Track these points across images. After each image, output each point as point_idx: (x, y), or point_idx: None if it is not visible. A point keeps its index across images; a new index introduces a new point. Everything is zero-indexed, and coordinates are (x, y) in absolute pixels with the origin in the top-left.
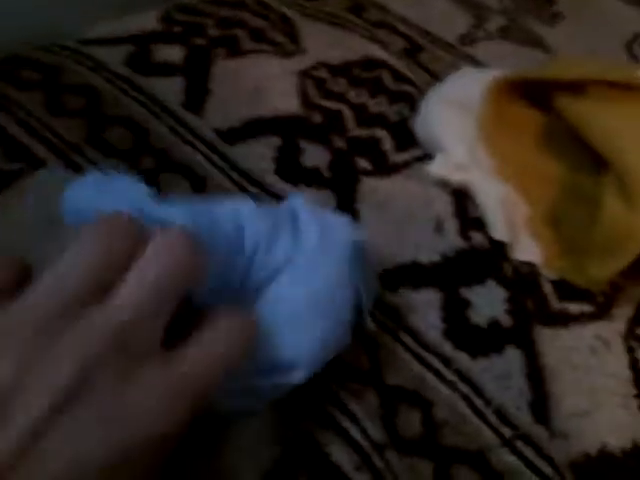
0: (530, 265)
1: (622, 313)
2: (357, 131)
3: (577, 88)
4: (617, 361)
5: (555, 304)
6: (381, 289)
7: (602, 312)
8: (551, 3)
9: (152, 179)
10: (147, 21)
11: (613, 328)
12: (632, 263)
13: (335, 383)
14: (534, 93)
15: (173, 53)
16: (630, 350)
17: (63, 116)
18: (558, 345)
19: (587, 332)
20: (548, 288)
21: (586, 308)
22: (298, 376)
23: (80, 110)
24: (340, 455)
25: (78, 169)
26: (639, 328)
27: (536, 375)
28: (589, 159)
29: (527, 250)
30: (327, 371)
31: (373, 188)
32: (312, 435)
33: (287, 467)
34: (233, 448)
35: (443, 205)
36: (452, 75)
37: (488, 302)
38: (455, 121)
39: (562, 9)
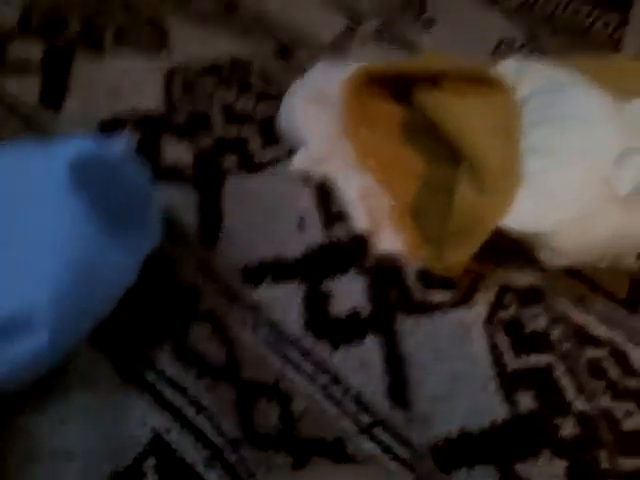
0: (393, 257)
1: (483, 300)
2: (224, 130)
3: (434, 82)
4: (477, 346)
5: (418, 293)
6: (243, 284)
7: (464, 300)
8: (423, 9)
9: None
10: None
11: (474, 315)
12: (490, 250)
13: (188, 378)
14: (396, 87)
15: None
16: (490, 335)
17: None
18: (420, 332)
19: (449, 319)
20: (411, 278)
21: (448, 296)
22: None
23: None
24: (189, 452)
25: None
26: (500, 312)
27: (396, 362)
28: (447, 152)
29: (389, 240)
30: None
31: (239, 186)
32: (159, 431)
33: (135, 467)
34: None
35: (307, 201)
36: (312, 69)
37: (349, 293)
38: (316, 115)
39: (434, 15)
